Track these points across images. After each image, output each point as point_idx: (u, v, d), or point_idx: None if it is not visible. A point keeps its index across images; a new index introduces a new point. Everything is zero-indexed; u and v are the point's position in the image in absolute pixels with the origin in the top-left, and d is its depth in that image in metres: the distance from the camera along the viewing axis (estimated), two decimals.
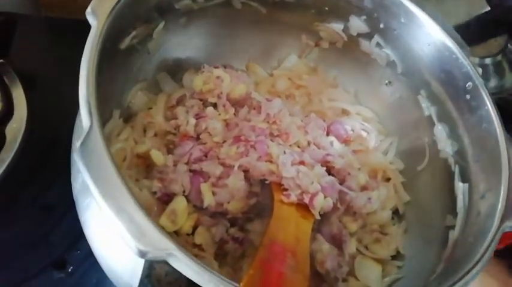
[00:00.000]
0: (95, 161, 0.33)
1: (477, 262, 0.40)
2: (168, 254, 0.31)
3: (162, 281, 0.35)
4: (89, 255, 0.56)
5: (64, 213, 0.58)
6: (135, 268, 0.35)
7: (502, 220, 0.43)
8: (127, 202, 0.32)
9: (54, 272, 0.56)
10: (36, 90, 0.62)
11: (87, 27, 0.40)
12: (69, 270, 0.57)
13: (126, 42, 0.49)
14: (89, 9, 0.41)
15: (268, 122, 0.55)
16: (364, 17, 0.58)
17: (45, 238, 0.58)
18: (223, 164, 0.50)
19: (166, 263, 0.31)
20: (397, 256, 0.56)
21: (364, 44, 0.61)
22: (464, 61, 0.52)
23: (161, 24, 0.55)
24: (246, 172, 0.50)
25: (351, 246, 0.52)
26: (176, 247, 0.31)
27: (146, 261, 0.34)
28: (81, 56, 0.38)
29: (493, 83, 0.76)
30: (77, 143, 0.33)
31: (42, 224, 0.58)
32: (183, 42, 0.61)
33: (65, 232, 0.58)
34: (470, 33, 0.60)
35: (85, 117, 0.34)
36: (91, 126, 0.34)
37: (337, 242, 0.51)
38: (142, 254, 0.31)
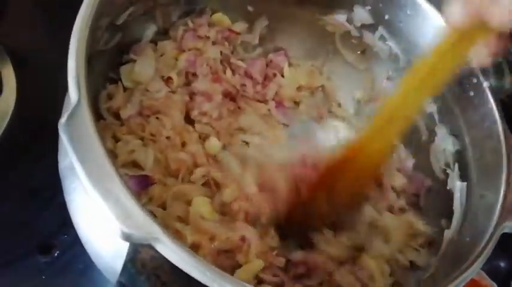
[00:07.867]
0: (81, 139, 0.31)
1: (474, 261, 0.39)
2: (153, 238, 0.29)
3: (146, 265, 0.33)
4: (77, 240, 0.54)
5: (52, 196, 0.56)
6: (120, 251, 0.34)
7: (500, 220, 0.41)
8: (114, 183, 0.31)
9: (39, 257, 0.54)
10: (27, 69, 0.60)
11: None
12: (55, 255, 0.55)
13: (122, 18, 0.47)
14: None
15: None
16: (368, 7, 0.57)
17: (32, 221, 0.56)
18: None
19: (151, 247, 0.30)
20: None
21: (368, 36, 0.60)
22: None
23: None
24: None
25: None
26: (162, 231, 0.30)
27: (131, 245, 0.32)
28: None
29: (492, 84, 0.75)
30: (62, 119, 0.31)
31: (29, 206, 0.56)
32: None
33: (52, 216, 0.56)
34: None
35: (73, 91, 0.33)
36: (79, 101, 0.32)
37: None
38: (126, 236, 0.29)
